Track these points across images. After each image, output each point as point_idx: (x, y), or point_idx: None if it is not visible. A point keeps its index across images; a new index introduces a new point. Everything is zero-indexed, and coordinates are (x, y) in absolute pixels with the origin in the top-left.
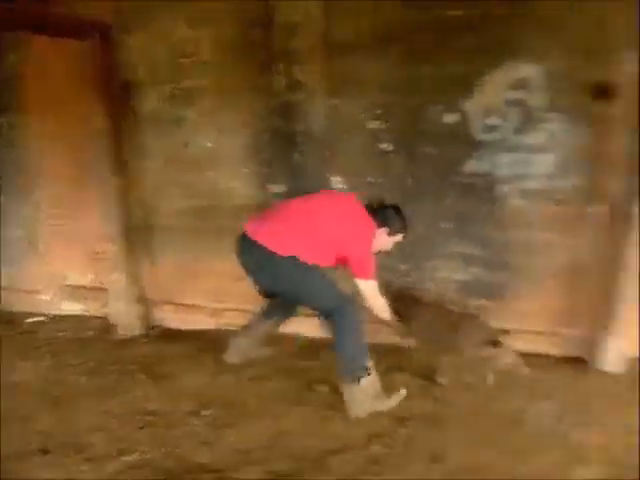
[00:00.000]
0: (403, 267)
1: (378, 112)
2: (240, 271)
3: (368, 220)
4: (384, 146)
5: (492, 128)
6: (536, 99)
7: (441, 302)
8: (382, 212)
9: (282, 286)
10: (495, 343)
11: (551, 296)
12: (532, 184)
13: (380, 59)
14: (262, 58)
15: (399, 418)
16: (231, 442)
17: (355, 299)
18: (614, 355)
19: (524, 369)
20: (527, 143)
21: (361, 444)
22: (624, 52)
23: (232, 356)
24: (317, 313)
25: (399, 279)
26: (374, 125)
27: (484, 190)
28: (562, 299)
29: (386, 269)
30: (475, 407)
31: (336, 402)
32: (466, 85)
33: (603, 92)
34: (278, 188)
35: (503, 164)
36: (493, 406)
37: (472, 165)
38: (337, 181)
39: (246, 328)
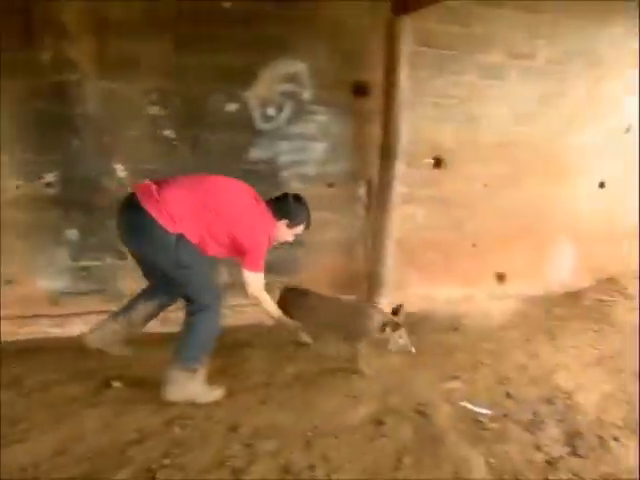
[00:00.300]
0: None
1: (157, 98)
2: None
3: (266, 212)
4: (167, 133)
5: (270, 118)
6: (306, 93)
7: (331, 295)
8: (282, 203)
9: (156, 263)
10: (394, 325)
11: (331, 266)
12: (308, 169)
13: (155, 43)
14: (22, 26)
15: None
16: (18, 459)
17: (223, 299)
18: None
19: (412, 348)
20: (301, 132)
21: (161, 430)
22: (376, 56)
23: (94, 339)
24: (185, 303)
25: None
26: (154, 111)
27: (268, 176)
28: (342, 269)
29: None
30: (268, 375)
31: (131, 396)
32: (244, 76)
33: (361, 90)
34: (50, 177)
35: (282, 151)
36: (285, 371)
37: (255, 152)
38: (119, 169)
39: (120, 312)
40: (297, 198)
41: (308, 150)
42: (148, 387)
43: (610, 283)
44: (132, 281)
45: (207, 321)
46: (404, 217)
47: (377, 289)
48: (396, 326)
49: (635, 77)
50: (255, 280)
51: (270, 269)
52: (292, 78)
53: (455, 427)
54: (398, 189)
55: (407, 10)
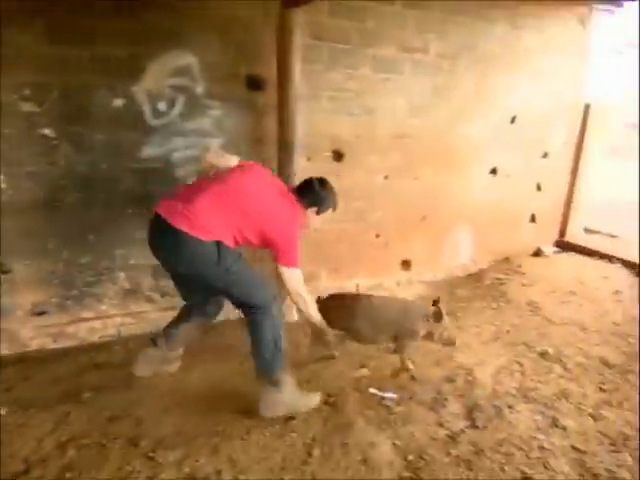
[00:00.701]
0: (86, 260)
1: (30, 93)
2: None
3: (295, 203)
4: (45, 132)
5: (161, 113)
6: (199, 87)
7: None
8: (308, 190)
9: (204, 276)
10: (437, 316)
11: None
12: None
13: (26, 33)
14: None
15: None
16: None
17: (279, 296)
18: (291, 307)
19: (456, 340)
20: (196, 128)
21: (53, 455)
22: (270, 49)
23: (142, 369)
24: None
25: (83, 273)
26: (28, 108)
27: (163, 174)
28: None
29: (65, 262)
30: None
31: (19, 420)
32: (131, 69)
33: (256, 84)
34: None
35: (177, 148)
36: (191, 376)
37: (147, 150)
38: None
39: (161, 335)
40: (322, 182)
41: (204, 146)
42: (38, 408)
43: (506, 263)
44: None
45: (268, 321)
46: None
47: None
48: (439, 317)
49: (519, 71)
50: (293, 276)
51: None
52: (183, 71)
53: (363, 414)
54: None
55: (298, 3)
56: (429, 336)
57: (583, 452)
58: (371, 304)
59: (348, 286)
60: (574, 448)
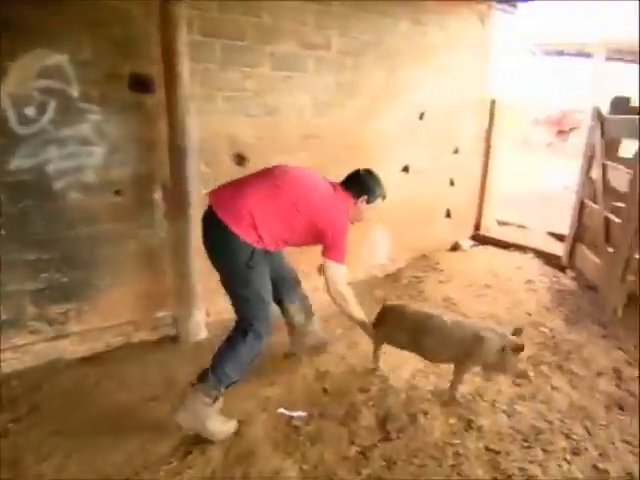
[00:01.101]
0: None
1: None
2: None
3: (343, 194)
4: None
5: (30, 120)
6: (73, 89)
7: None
8: (356, 181)
9: (228, 273)
10: (516, 348)
11: (134, 284)
12: (88, 177)
13: None
14: None
15: None
16: None
17: (271, 330)
18: (197, 324)
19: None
20: (73, 135)
21: None
22: (156, 47)
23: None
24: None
25: None
26: None
27: (38, 187)
28: (146, 288)
29: None
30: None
31: None
32: None
33: (141, 84)
34: None
35: (52, 158)
36: (80, 415)
37: (15, 161)
38: None
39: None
40: (369, 172)
41: (84, 155)
42: None
43: (424, 260)
44: None
45: (254, 342)
46: None
47: (187, 302)
48: (520, 349)
49: (425, 68)
50: (339, 273)
51: (52, 297)
52: (52, 72)
53: (270, 438)
54: (197, 191)
55: None
56: (500, 367)
57: (497, 452)
58: (445, 325)
59: None
60: (488, 449)
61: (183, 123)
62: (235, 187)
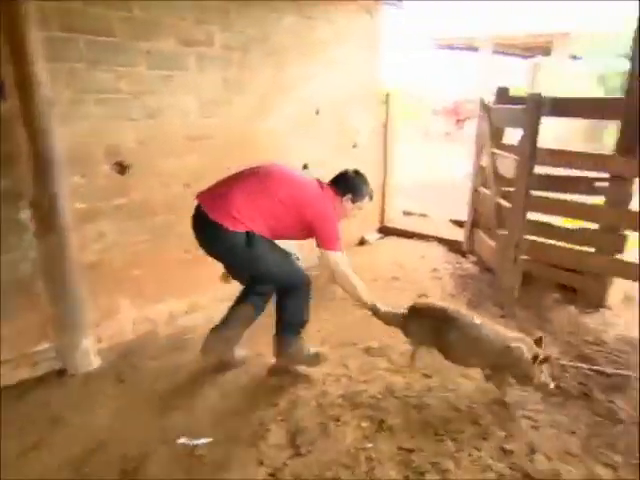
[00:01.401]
0: None
1: None
2: None
3: (329, 190)
4: None
5: None
6: None
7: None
8: (343, 179)
9: (240, 263)
10: (543, 358)
11: (5, 318)
12: None
13: None
14: None
15: None
16: None
17: (310, 281)
18: (86, 353)
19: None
20: None
21: None
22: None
23: (207, 351)
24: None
25: None
26: None
27: None
28: (20, 316)
29: None
30: None
31: None
32: None
33: None
34: None
35: None
36: None
37: None
38: None
39: (223, 320)
40: (356, 172)
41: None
42: None
43: None
44: None
45: (296, 300)
46: (91, 238)
47: (71, 330)
48: (545, 360)
49: (316, 62)
50: (338, 259)
51: None
52: None
53: (171, 475)
54: (70, 206)
55: None
56: (526, 379)
57: (410, 451)
58: (479, 332)
59: (158, 314)
60: (401, 449)
61: (45, 131)
62: (222, 186)
